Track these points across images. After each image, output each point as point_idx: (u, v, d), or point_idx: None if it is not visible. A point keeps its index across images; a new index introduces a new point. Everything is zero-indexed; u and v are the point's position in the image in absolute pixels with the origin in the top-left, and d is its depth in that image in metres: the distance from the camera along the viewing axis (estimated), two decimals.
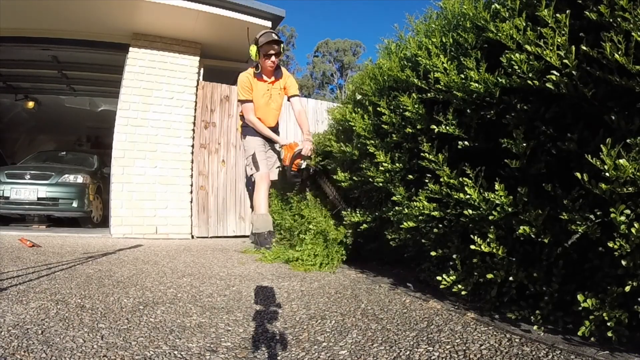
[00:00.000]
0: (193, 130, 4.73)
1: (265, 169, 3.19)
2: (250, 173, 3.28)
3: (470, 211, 1.27)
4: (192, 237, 4.60)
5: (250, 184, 3.44)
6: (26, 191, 4.97)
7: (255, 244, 3.28)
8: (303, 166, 2.92)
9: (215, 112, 4.90)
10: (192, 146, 4.71)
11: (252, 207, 3.39)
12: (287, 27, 35.16)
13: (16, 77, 6.48)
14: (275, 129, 3.37)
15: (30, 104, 7.71)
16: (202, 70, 5.00)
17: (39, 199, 5.00)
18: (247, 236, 4.38)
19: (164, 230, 4.46)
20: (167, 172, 4.55)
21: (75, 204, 5.16)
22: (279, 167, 3.40)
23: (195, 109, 4.77)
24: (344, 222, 2.30)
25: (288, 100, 3.36)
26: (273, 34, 3.01)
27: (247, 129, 3.26)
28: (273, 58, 3.02)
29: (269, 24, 4.60)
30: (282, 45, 3.03)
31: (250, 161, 3.21)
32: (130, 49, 4.57)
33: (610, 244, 0.93)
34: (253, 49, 3.02)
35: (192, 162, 4.69)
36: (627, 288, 0.93)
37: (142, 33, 4.59)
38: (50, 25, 4.43)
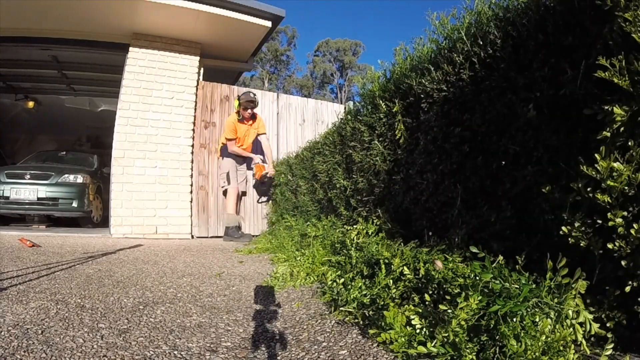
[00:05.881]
0: (193, 130, 4.74)
1: (236, 184, 4.40)
2: (222, 185, 4.48)
3: None
4: (192, 237, 4.60)
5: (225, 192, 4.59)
6: (26, 191, 4.97)
7: (226, 237, 4.31)
8: (267, 176, 4.48)
9: (215, 112, 4.90)
10: (192, 146, 4.72)
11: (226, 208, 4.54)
12: (290, 27, 35.25)
13: (16, 77, 6.48)
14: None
15: (30, 104, 7.70)
16: (202, 70, 5.00)
17: (39, 199, 4.99)
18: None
19: (163, 230, 4.46)
20: (167, 172, 4.56)
21: (75, 204, 5.15)
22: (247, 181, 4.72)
23: (195, 109, 4.78)
24: None
25: (257, 136, 4.49)
26: (251, 94, 4.23)
27: (224, 151, 4.39)
28: (249, 111, 4.24)
29: (269, 23, 4.60)
30: (256, 102, 4.24)
31: (225, 177, 4.39)
32: (130, 49, 4.57)
33: (610, 245, 0.93)
34: (236, 102, 4.27)
35: (192, 162, 4.70)
36: (627, 288, 0.93)
37: (142, 33, 4.59)
38: (50, 25, 4.43)
